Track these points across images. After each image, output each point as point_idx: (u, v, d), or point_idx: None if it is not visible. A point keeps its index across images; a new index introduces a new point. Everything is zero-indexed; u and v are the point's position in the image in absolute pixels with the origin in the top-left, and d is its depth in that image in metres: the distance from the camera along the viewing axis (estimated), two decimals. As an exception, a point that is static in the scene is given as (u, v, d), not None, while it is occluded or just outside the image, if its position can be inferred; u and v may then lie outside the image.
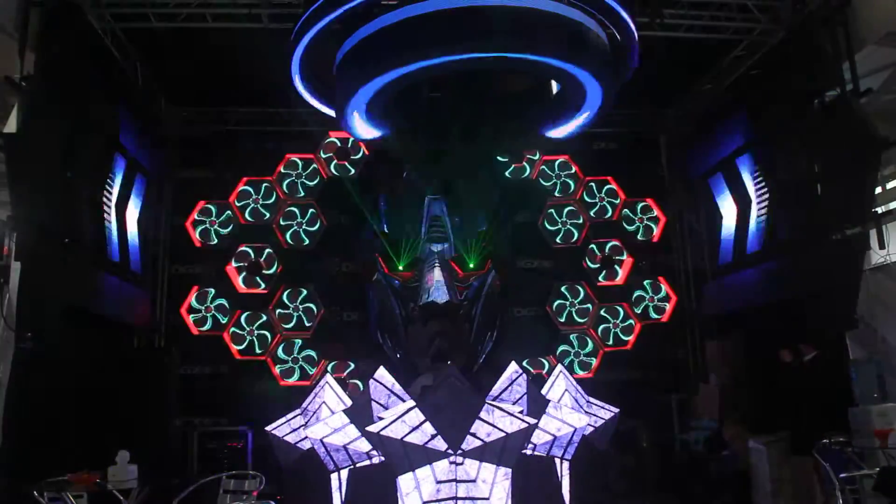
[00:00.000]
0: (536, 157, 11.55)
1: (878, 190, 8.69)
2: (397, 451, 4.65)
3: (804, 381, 7.46)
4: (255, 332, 10.46)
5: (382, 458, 4.85)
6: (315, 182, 11.09)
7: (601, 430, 5.81)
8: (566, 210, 11.43)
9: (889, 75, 8.34)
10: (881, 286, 8.44)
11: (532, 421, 4.88)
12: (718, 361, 10.44)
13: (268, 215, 10.87)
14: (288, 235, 10.83)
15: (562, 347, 10.92)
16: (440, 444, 4.69)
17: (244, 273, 10.64)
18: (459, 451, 4.68)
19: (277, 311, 10.53)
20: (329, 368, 10.34)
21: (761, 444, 7.61)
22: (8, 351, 6.92)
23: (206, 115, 11.02)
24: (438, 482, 4.63)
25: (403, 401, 5.13)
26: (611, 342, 11.06)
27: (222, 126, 11.04)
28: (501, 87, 7.86)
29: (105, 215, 8.78)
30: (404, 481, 4.65)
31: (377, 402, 5.11)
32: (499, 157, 11.22)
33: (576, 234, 11.35)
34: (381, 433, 4.66)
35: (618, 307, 11.19)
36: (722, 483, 8.31)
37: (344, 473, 5.24)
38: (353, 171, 11.19)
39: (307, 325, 10.53)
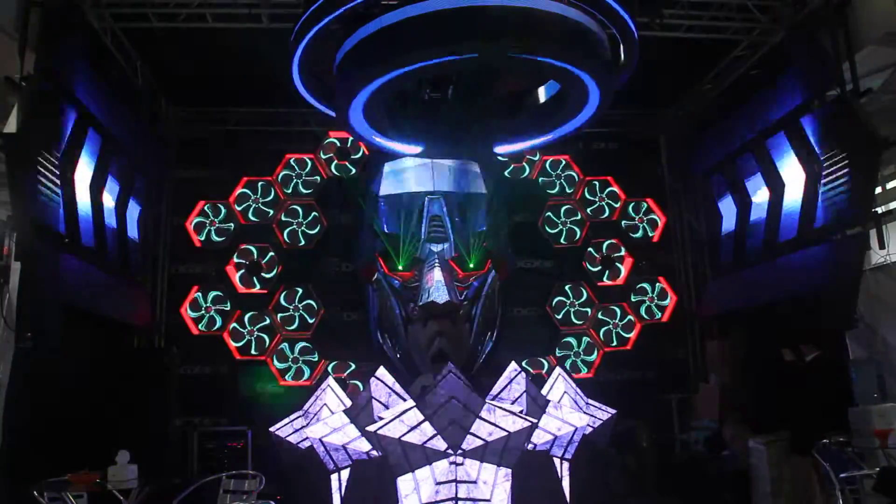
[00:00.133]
0: (536, 158, 11.55)
1: (878, 190, 8.70)
2: (396, 451, 4.65)
3: (804, 381, 7.47)
4: (255, 332, 10.46)
5: (381, 458, 4.85)
6: (315, 182, 11.08)
7: (599, 430, 5.82)
8: (566, 210, 11.43)
9: (889, 75, 8.34)
10: (881, 286, 8.44)
11: (533, 420, 4.88)
12: (718, 361, 10.44)
13: (268, 215, 10.87)
14: (288, 235, 10.83)
15: (562, 347, 10.91)
16: (440, 444, 4.69)
17: (244, 273, 10.64)
18: (460, 452, 4.68)
19: (277, 311, 10.53)
20: (329, 369, 10.34)
21: (761, 444, 7.60)
22: (8, 351, 6.92)
23: (206, 115, 11.02)
24: (438, 483, 4.63)
25: (404, 400, 5.13)
26: (611, 342, 11.06)
27: (222, 126, 11.04)
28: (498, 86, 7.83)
29: (104, 215, 8.78)
30: (403, 483, 4.66)
31: (378, 401, 5.12)
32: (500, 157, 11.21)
33: (576, 234, 11.35)
34: (381, 433, 4.66)
35: (618, 307, 11.19)
36: (722, 483, 8.30)
37: (344, 474, 5.24)
38: (353, 170, 11.19)
39: (307, 325, 10.52)
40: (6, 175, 6.62)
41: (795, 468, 7.19)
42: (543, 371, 10.60)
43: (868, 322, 8.27)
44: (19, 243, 6.87)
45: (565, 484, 5.40)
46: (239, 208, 10.85)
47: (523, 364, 10.36)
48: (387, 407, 5.08)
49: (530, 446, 5.08)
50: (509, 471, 4.74)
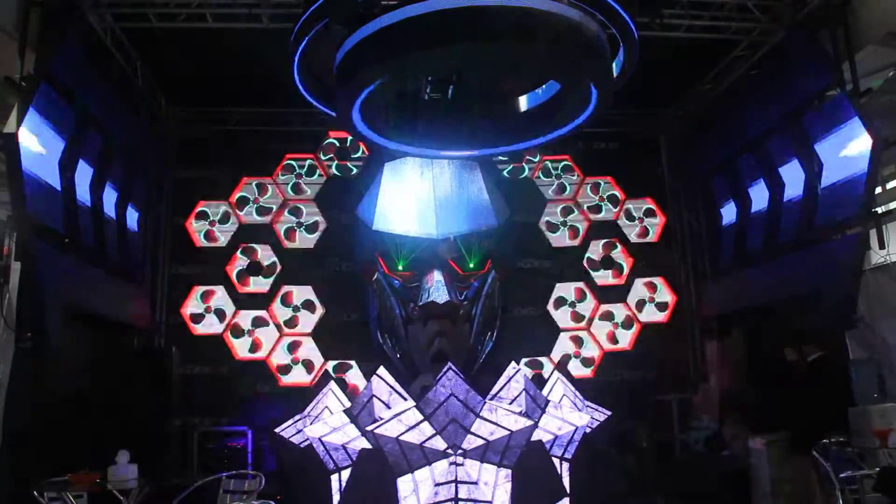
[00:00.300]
0: (536, 158, 11.55)
1: (879, 190, 8.69)
2: (395, 451, 4.65)
3: (804, 381, 7.46)
4: (255, 332, 10.46)
5: (382, 458, 4.85)
6: (315, 182, 11.08)
7: (597, 430, 5.81)
8: (566, 210, 11.42)
9: (889, 75, 8.34)
10: (881, 286, 8.43)
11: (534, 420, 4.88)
12: (718, 361, 10.44)
13: (268, 215, 10.87)
14: (288, 235, 10.83)
15: (562, 347, 10.91)
16: (439, 444, 4.68)
17: (244, 273, 10.64)
18: (460, 452, 4.68)
19: (277, 311, 10.53)
20: (330, 369, 10.34)
21: (761, 444, 7.59)
22: (8, 351, 6.92)
23: (206, 115, 11.02)
24: (437, 485, 4.63)
25: (405, 400, 5.13)
26: (611, 342, 11.06)
27: (222, 126, 11.05)
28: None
29: (104, 215, 8.78)
30: (403, 484, 4.65)
31: (379, 400, 5.11)
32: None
33: (576, 235, 11.35)
34: (379, 432, 4.66)
35: (618, 307, 11.19)
36: (722, 483, 8.29)
37: (345, 474, 5.24)
38: (353, 170, 11.19)
39: (307, 325, 10.52)
40: (6, 175, 6.62)
41: (795, 468, 7.18)
42: (543, 371, 10.61)
43: (868, 322, 8.25)
44: (19, 243, 6.87)
45: (565, 484, 5.40)
46: (239, 208, 10.85)
47: (523, 364, 10.36)
48: (388, 406, 5.07)
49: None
50: (510, 472, 4.73)
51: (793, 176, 8.85)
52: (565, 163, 11.63)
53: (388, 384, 5.12)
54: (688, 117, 11.36)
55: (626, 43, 6.32)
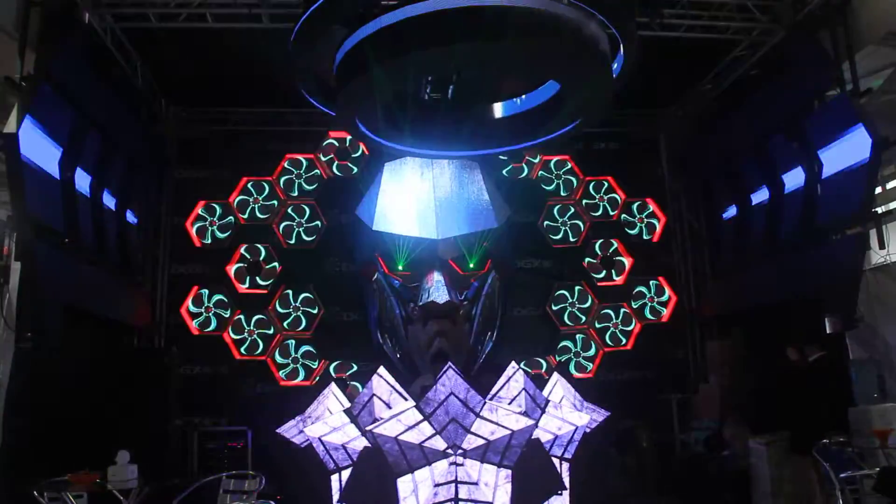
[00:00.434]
0: (536, 158, 11.55)
1: (879, 190, 8.70)
2: (393, 451, 4.64)
3: (804, 381, 7.46)
4: (255, 332, 10.46)
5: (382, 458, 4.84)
6: (315, 182, 11.09)
7: (597, 430, 5.81)
8: (566, 210, 11.43)
9: (889, 75, 8.34)
10: (881, 286, 8.44)
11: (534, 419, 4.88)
12: (718, 361, 10.44)
13: (268, 215, 10.87)
14: (288, 235, 10.83)
15: (562, 347, 10.91)
16: (439, 443, 4.68)
17: (244, 273, 10.64)
18: (460, 452, 4.67)
19: (277, 311, 10.53)
20: (330, 369, 10.34)
21: (761, 444, 7.60)
22: (8, 351, 6.92)
23: (206, 115, 11.02)
24: (436, 485, 4.62)
25: (405, 399, 5.12)
26: (611, 342, 11.06)
27: (222, 126, 11.05)
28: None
29: (104, 215, 8.78)
30: (403, 484, 4.65)
31: (380, 399, 5.10)
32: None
33: (576, 234, 11.35)
34: (377, 432, 4.65)
35: (618, 307, 11.19)
36: (722, 483, 8.30)
37: (345, 474, 5.24)
38: (354, 170, 11.19)
39: (307, 325, 10.53)
40: (6, 175, 6.62)
41: (795, 468, 7.19)
42: (543, 371, 10.61)
43: (868, 322, 8.26)
44: (19, 243, 6.87)
45: (565, 483, 5.40)
46: (239, 208, 10.85)
47: (523, 364, 10.37)
48: (388, 406, 5.07)
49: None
50: (510, 472, 4.73)
51: (792, 176, 8.85)
52: (565, 163, 11.63)
53: (388, 383, 5.11)
54: (688, 117, 11.36)
55: (625, 43, 6.32)
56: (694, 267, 11.55)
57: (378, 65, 5.72)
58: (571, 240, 11.33)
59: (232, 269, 10.60)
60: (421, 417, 4.75)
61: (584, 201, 11.52)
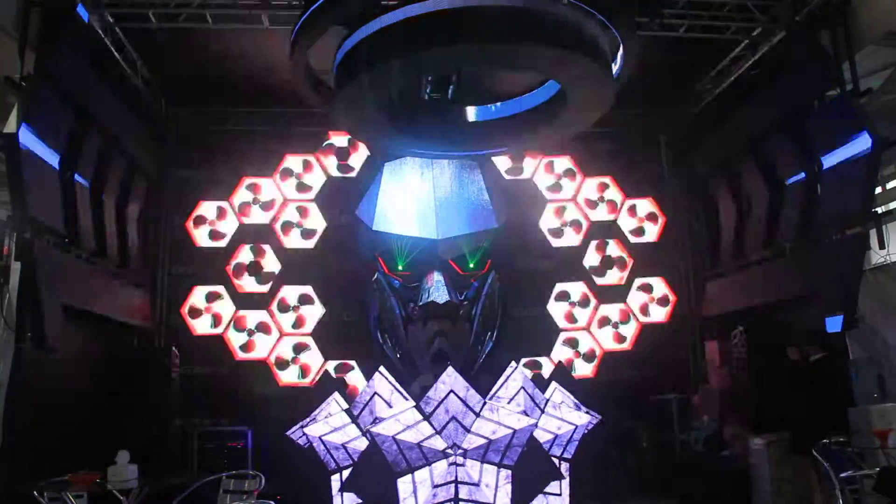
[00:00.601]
0: (536, 158, 11.54)
1: (879, 190, 8.70)
2: (392, 451, 4.65)
3: (804, 381, 7.46)
4: (255, 332, 10.46)
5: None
6: (315, 182, 11.08)
7: (597, 430, 5.83)
8: (566, 210, 11.42)
9: (889, 75, 8.34)
10: (881, 286, 8.43)
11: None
12: (718, 361, 10.44)
13: (268, 215, 10.87)
14: (288, 235, 10.82)
15: (562, 347, 10.91)
16: (438, 443, 4.69)
17: (244, 273, 10.63)
18: (460, 452, 4.68)
19: (277, 311, 10.53)
20: (330, 369, 10.33)
21: (761, 444, 7.60)
22: (8, 351, 6.92)
23: (206, 115, 11.02)
24: (435, 486, 4.63)
25: (406, 399, 5.13)
26: (611, 342, 11.05)
27: (222, 126, 11.04)
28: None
29: (104, 215, 8.78)
30: (403, 485, 4.66)
31: (381, 398, 5.11)
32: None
33: (576, 234, 11.35)
34: (377, 432, 4.66)
35: (618, 307, 11.19)
36: (722, 483, 8.30)
37: (346, 474, 5.24)
38: (354, 170, 11.19)
39: (307, 325, 10.52)
40: (6, 175, 6.62)
41: (795, 468, 7.19)
42: (543, 371, 10.60)
43: (868, 322, 8.26)
44: (19, 243, 6.87)
45: (565, 484, 5.41)
46: (239, 208, 10.85)
47: (522, 364, 10.36)
48: (389, 405, 5.08)
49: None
50: (510, 473, 4.74)
51: (792, 176, 8.85)
52: (565, 163, 11.62)
53: (390, 382, 5.13)
54: (688, 117, 11.36)
55: (625, 43, 6.33)
56: (694, 267, 11.54)
57: (378, 64, 5.73)
58: (571, 240, 11.32)
59: (232, 269, 10.59)
60: (420, 417, 4.76)
61: (584, 201, 11.51)
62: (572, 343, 10.96)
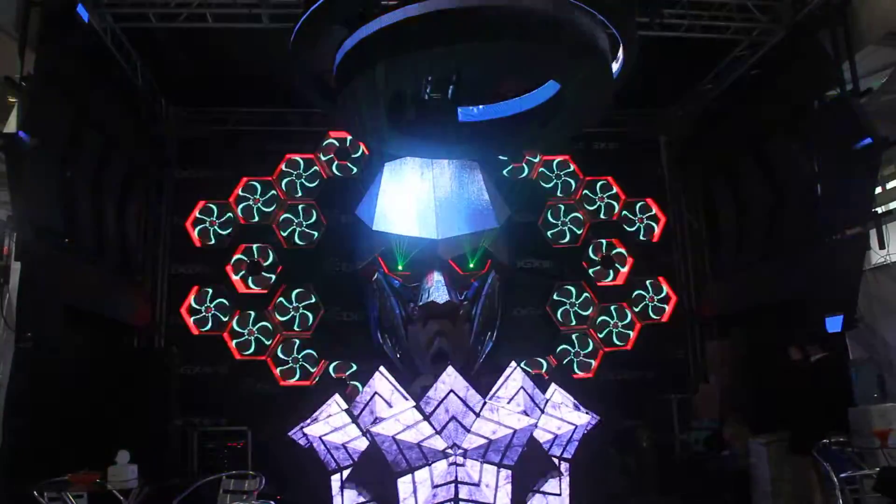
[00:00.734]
0: (536, 158, 11.55)
1: (878, 190, 8.69)
2: (392, 450, 4.64)
3: (804, 381, 7.47)
4: (255, 332, 10.46)
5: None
6: (315, 182, 11.09)
7: (597, 430, 5.81)
8: (566, 210, 11.42)
9: (889, 75, 8.34)
10: (881, 286, 8.43)
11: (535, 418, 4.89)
12: (718, 361, 10.44)
13: (268, 215, 10.87)
14: (288, 235, 10.83)
15: (562, 347, 10.91)
16: (438, 443, 4.68)
17: (244, 273, 10.64)
18: (460, 452, 4.67)
19: (277, 311, 10.53)
20: (330, 369, 10.34)
21: (761, 444, 7.60)
22: (8, 351, 6.92)
23: (206, 115, 11.02)
24: (435, 486, 4.62)
25: (406, 399, 5.12)
26: (611, 342, 11.06)
27: (222, 126, 11.05)
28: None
29: (104, 215, 8.78)
30: (403, 485, 4.65)
31: (381, 397, 5.10)
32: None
33: (576, 235, 11.35)
34: (376, 431, 4.66)
35: (618, 307, 11.19)
36: (722, 483, 8.30)
37: (346, 474, 5.23)
38: (353, 170, 11.19)
39: (307, 325, 10.52)
40: (6, 175, 6.62)
41: (795, 468, 7.18)
42: (543, 371, 10.61)
43: (868, 322, 8.26)
44: (19, 243, 6.88)
45: (565, 484, 5.40)
46: (239, 208, 10.85)
47: (523, 364, 10.36)
48: (390, 405, 5.07)
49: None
50: (510, 473, 4.73)
51: (792, 176, 8.85)
52: (565, 163, 11.62)
53: (390, 382, 5.12)
54: (688, 117, 11.36)
55: (625, 43, 6.32)
56: (694, 267, 11.55)
57: (378, 65, 5.72)
58: (571, 240, 11.33)
59: (232, 269, 10.60)
60: (420, 417, 4.76)
61: (584, 201, 11.52)
62: (572, 343, 10.96)
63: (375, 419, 4.94)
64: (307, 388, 10.09)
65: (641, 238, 11.56)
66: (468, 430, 4.74)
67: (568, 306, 11.08)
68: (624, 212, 11.56)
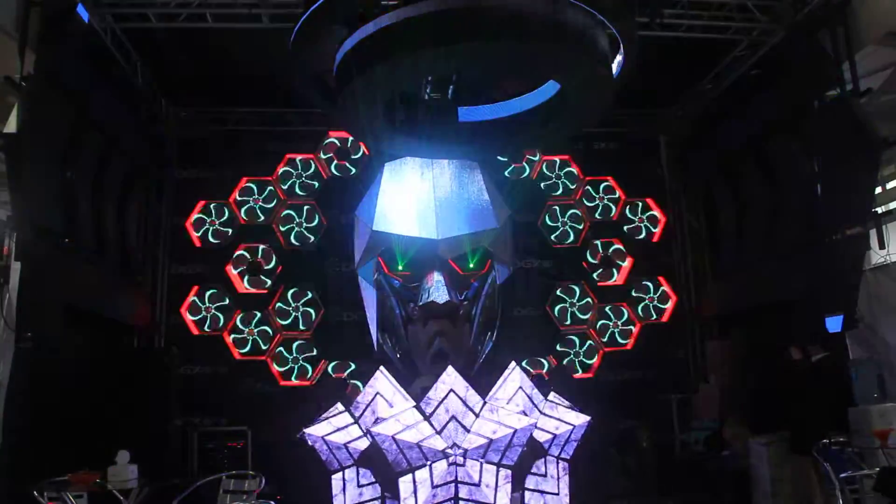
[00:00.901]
0: (536, 158, 11.55)
1: (878, 190, 8.69)
2: (392, 450, 4.65)
3: (804, 381, 7.47)
4: (255, 332, 10.46)
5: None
6: (315, 182, 11.09)
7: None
8: (566, 210, 11.42)
9: (889, 75, 8.33)
10: (881, 286, 8.43)
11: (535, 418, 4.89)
12: (718, 361, 10.44)
13: (268, 215, 10.87)
14: (288, 235, 10.82)
15: (562, 347, 10.91)
16: (438, 443, 4.68)
17: (244, 273, 10.63)
18: (460, 451, 4.68)
19: (277, 311, 10.53)
20: (330, 369, 10.34)
21: (761, 444, 7.60)
22: (8, 351, 6.92)
23: (206, 115, 11.02)
24: (435, 486, 4.62)
25: (405, 399, 5.13)
26: (611, 342, 11.05)
27: (222, 126, 11.05)
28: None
29: (104, 215, 8.78)
30: (403, 484, 4.65)
31: (382, 397, 5.10)
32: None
33: (576, 235, 11.35)
34: (377, 432, 4.66)
35: (618, 307, 11.19)
36: (722, 483, 8.30)
37: (346, 474, 5.24)
38: (353, 170, 11.19)
39: (307, 325, 10.52)
40: (6, 175, 6.62)
41: (795, 468, 7.18)
42: (544, 371, 10.61)
43: (868, 322, 8.26)
44: (19, 243, 6.88)
45: (564, 484, 5.40)
46: (239, 208, 10.85)
47: (523, 364, 10.36)
48: (391, 405, 5.07)
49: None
50: (510, 473, 4.73)
51: (792, 176, 8.85)
52: (565, 163, 11.62)
53: (391, 382, 5.12)
54: (688, 117, 11.36)
55: (625, 43, 6.32)
56: (694, 267, 11.55)
57: (378, 64, 5.72)
58: (571, 240, 11.33)
59: (232, 269, 10.59)
60: (420, 417, 4.76)
61: (584, 201, 11.51)
62: (572, 343, 10.96)
63: (376, 419, 4.95)
64: (307, 388, 10.09)
65: (641, 238, 11.56)
66: (468, 430, 4.75)
67: (568, 306, 11.07)
68: (624, 212, 11.56)
